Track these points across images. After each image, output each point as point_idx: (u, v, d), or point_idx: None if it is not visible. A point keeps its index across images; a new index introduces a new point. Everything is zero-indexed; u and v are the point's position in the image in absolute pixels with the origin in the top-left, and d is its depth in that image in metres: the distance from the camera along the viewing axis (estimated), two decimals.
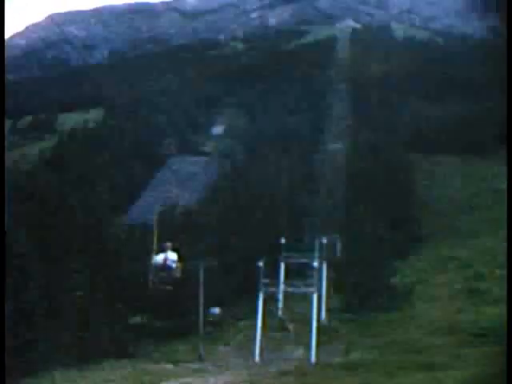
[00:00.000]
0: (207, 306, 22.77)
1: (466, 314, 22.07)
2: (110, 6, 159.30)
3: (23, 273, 21.19)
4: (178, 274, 20.34)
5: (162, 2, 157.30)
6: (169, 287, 20.39)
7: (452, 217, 37.75)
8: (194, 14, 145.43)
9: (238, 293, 27.13)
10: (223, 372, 18.33)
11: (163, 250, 20.46)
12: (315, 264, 21.82)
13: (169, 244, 20.57)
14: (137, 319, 25.50)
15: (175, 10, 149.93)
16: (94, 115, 73.39)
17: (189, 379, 17.30)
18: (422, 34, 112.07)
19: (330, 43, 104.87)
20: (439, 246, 33.67)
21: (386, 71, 74.66)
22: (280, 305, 24.19)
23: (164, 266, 20.20)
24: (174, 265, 20.35)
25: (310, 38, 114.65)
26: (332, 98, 72.53)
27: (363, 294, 25.25)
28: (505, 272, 21.26)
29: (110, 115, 72.24)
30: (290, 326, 23.43)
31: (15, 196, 27.90)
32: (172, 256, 20.51)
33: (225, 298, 26.78)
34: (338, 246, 31.16)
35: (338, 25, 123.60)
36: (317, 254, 24.35)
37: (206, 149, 61.46)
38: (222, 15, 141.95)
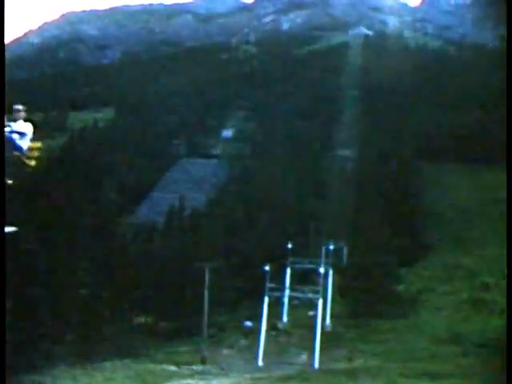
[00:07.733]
0: (212, 308, 22.74)
1: (470, 323, 22.07)
2: (124, 6, 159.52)
3: (29, 270, 21.21)
4: (31, 162, 11.04)
5: (176, 4, 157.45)
6: (9, 181, 10.72)
7: (459, 226, 37.63)
8: (208, 17, 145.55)
9: (243, 296, 27.18)
10: (226, 375, 18.36)
11: (12, 119, 11.04)
12: (321, 270, 21.88)
13: (20, 107, 11.13)
14: (141, 319, 25.57)
15: (189, 12, 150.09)
16: (105, 115, 73.57)
17: (191, 381, 17.34)
18: (434, 43, 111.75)
19: (342, 50, 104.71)
20: (445, 255, 33.58)
21: (397, 79, 74.50)
22: (285, 309, 24.29)
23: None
24: (22, 142, 10.85)
25: (322, 44, 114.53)
26: (342, 104, 72.40)
27: (368, 300, 25.26)
28: None
29: (121, 115, 72.42)
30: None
31: (23, 194, 27.98)
32: (22, 127, 10.95)
33: (230, 300, 26.83)
34: (345, 253, 31.30)
35: (350, 32, 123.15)
36: (323, 260, 24.49)
37: (216, 151, 61.59)
38: (236, 19, 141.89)
